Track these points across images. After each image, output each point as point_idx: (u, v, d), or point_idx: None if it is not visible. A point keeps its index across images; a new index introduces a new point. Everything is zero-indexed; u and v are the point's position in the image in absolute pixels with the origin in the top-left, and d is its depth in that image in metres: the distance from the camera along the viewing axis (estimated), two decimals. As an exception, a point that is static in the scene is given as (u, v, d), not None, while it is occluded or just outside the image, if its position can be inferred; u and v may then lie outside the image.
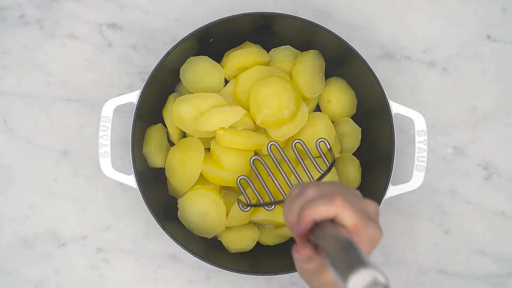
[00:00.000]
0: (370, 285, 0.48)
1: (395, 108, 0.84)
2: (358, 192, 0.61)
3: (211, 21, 0.85)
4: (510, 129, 0.95)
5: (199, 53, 0.90)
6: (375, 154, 0.90)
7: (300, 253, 0.57)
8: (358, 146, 0.92)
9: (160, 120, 0.91)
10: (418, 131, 0.84)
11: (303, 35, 0.89)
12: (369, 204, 0.59)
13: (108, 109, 0.84)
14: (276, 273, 0.85)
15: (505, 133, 0.95)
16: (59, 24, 0.96)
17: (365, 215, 0.56)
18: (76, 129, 0.95)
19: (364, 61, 0.84)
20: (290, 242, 0.91)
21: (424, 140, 0.84)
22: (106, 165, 0.84)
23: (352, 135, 0.91)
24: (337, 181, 0.87)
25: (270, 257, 0.91)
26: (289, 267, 0.85)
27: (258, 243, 0.91)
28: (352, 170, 0.90)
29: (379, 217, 0.59)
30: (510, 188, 0.95)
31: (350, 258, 0.50)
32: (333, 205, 0.55)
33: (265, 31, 0.90)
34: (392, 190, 0.84)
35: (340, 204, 0.54)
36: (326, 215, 0.55)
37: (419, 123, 0.84)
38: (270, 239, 0.91)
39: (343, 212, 0.54)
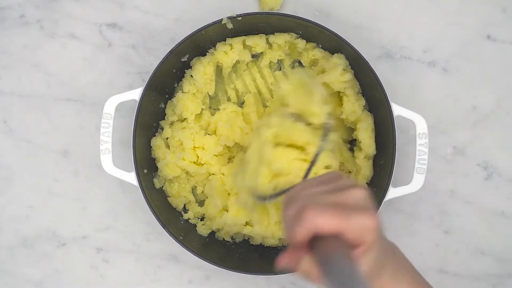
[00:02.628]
0: None
1: (397, 110, 0.84)
2: (342, 179, 0.58)
3: (211, 22, 0.85)
4: (510, 129, 0.95)
5: (200, 51, 0.90)
6: (375, 156, 0.90)
7: (288, 259, 0.56)
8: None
9: (161, 117, 0.91)
10: (420, 133, 0.84)
11: (303, 36, 0.89)
12: (353, 193, 0.56)
13: (110, 106, 0.85)
14: (275, 273, 0.85)
15: (505, 133, 0.95)
16: (59, 24, 0.96)
17: (346, 209, 0.54)
18: (76, 129, 0.95)
19: (367, 63, 0.84)
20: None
21: (425, 143, 0.84)
22: (107, 162, 0.84)
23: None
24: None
25: (270, 257, 0.91)
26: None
27: (258, 244, 0.91)
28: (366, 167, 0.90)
29: (369, 201, 0.57)
30: (510, 188, 0.94)
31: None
32: (305, 224, 0.53)
33: (264, 31, 0.90)
34: (392, 192, 0.84)
35: (311, 219, 0.53)
36: (304, 237, 0.54)
37: (421, 125, 0.84)
38: (271, 240, 0.91)
39: (317, 224, 0.52)
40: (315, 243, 0.53)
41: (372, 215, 0.54)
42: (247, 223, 0.90)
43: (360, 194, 0.56)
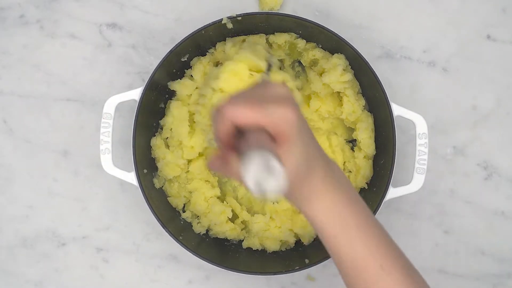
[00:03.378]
0: (260, 165, 0.49)
1: (397, 110, 0.84)
2: (269, 83, 0.59)
3: (211, 22, 0.85)
4: (510, 129, 0.95)
5: (200, 51, 0.90)
6: (375, 156, 0.90)
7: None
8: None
9: (161, 117, 0.91)
10: (419, 133, 0.84)
11: (303, 36, 0.89)
12: (273, 87, 0.57)
13: (110, 106, 0.85)
14: (275, 273, 0.85)
15: (505, 133, 0.95)
16: (59, 24, 0.96)
17: (264, 101, 0.55)
18: (76, 129, 0.95)
19: (367, 63, 0.84)
20: (293, 246, 0.92)
21: (425, 143, 0.84)
22: (107, 162, 0.84)
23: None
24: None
25: (269, 257, 0.91)
26: (289, 267, 0.85)
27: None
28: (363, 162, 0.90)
29: (289, 95, 0.57)
30: (510, 188, 0.94)
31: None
32: (223, 118, 0.55)
33: (264, 30, 0.90)
34: (392, 192, 0.84)
35: (229, 113, 0.54)
36: (225, 131, 0.56)
37: (421, 125, 0.84)
38: (273, 245, 0.91)
39: (235, 117, 0.54)
40: (240, 142, 0.55)
41: (291, 107, 0.54)
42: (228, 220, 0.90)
43: (280, 89, 0.57)
